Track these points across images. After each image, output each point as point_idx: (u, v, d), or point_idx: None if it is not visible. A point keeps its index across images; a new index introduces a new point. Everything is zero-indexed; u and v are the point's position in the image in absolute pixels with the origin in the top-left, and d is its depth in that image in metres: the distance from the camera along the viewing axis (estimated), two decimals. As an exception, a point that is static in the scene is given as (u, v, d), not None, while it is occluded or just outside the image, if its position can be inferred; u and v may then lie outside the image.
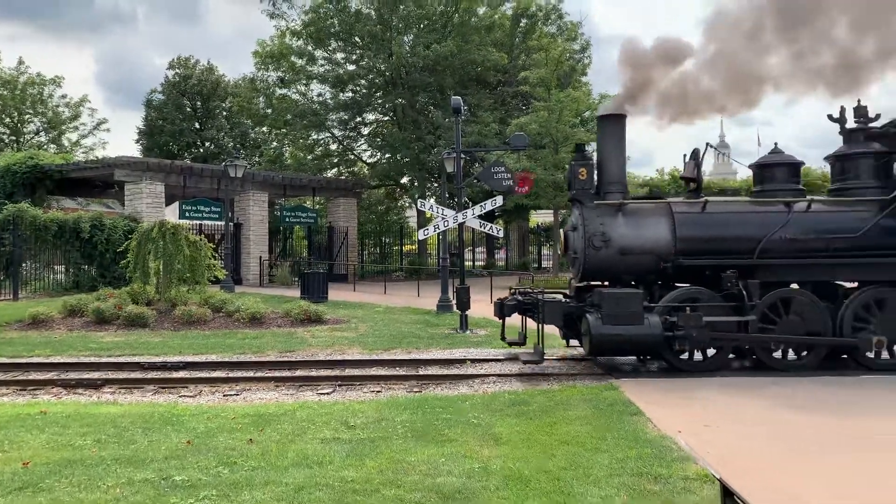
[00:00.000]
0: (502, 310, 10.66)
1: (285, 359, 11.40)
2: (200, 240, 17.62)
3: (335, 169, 37.87)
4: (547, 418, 7.51)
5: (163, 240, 16.52)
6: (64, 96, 46.32)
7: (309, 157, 36.59)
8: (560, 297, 11.11)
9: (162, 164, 26.10)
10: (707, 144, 10.87)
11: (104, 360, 11.25)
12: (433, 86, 32.62)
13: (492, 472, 5.69)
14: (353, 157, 38.14)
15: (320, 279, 20.56)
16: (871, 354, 9.80)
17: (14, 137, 42.66)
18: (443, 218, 16.11)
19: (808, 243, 10.12)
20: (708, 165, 52.07)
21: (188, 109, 46.11)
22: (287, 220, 30.22)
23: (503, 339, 11.20)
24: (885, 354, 9.89)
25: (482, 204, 16.26)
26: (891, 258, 9.95)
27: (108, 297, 16.24)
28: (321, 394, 9.14)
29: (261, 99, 36.22)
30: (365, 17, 32.16)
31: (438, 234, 17.78)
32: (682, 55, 10.61)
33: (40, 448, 6.47)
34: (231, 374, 10.13)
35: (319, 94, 35.58)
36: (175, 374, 10.19)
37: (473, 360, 11.12)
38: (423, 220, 32.53)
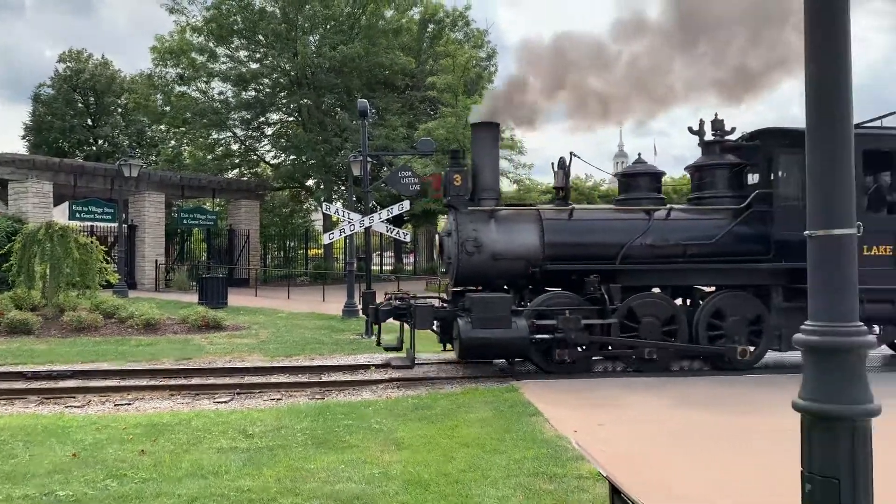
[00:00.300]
0: (377, 315, 10.68)
1: (181, 366, 11.05)
2: (91, 242, 16.83)
3: (237, 170, 36.99)
4: (449, 421, 7.58)
5: (50, 242, 15.69)
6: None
7: (209, 158, 35.59)
8: (435, 301, 11.26)
9: (50, 162, 24.79)
10: (571, 154, 11.45)
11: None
12: (340, 87, 32.38)
13: (392, 477, 5.69)
14: (255, 157, 37.35)
15: (219, 284, 20.04)
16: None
17: None
18: (349, 222, 15.99)
19: (665, 249, 10.64)
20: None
21: (80, 105, 43.87)
22: (185, 221, 29.28)
23: (378, 344, 11.21)
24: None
25: (389, 208, 16.27)
26: (742, 264, 10.59)
27: (-12, 302, 15.27)
28: (219, 402, 8.90)
29: (159, 96, 34.99)
30: (269, 16, 31.60)
31: (345, 238, 17.64)
32: (561, 70, 11.03)
33: None
34: (123, 383, 9.73)
35: (221, 93, 34.72)
36: (62, 384, 9.69)
37: (378, 366, 11.10)
38: (330, 224, 32.20)
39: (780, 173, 10.73)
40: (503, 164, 27.93)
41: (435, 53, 32.24)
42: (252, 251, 30.84)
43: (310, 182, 36.34)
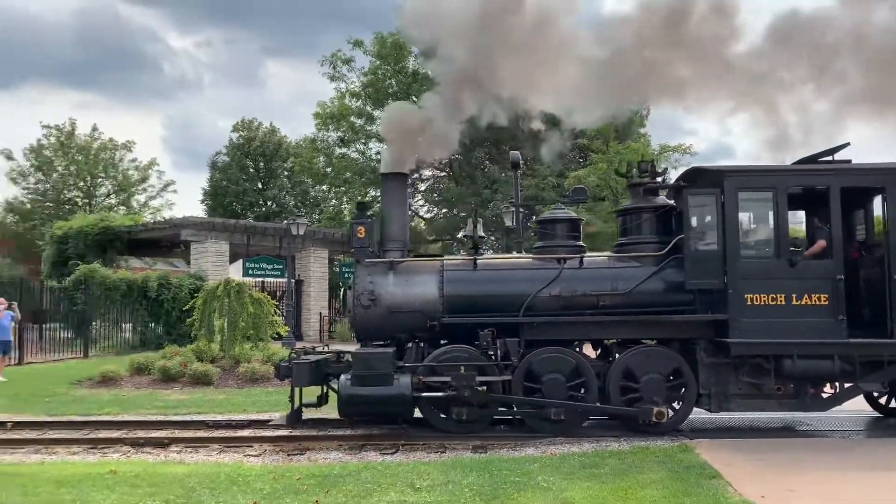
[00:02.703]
0: (279, 372, 10.18)
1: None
2: (264, 297, 17.87)
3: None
4: (620, 482, 7.20)
5: (227, 297, 16.81)
6: (134, 160, 48.37)
7: (368, 214, 37.16)
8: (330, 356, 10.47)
9: (226, 223, 26.83)
10: (474, 210, 10.92)
11: (171, 417, 11.36)
12: (489, 140, 32.95)
13: (567, 541, 5.43)
14: (410, 213, 38.62)
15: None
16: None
17: (87, 200, 44.55)
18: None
19: (575, 300, 9.85)
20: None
21: (251, 170, 47.58)
22: (346, 275, 30.51)
23: (290, 400, 10.36)
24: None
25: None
26: (660, 315, 9.62)
27: (174, 354, 16.52)
28: (385, 454, 8.99)
29: (321, 158, 37.18)
30: (422, 78, 32.91)
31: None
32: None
33: (110, 509, 6.49)
34: (294, 433, 10.07)
35: (377, 152, 36.34)
36: (240, 433, 10.20)
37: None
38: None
39: (690, 216, 9.61)
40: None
41: (584, 102, 32.09)
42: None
43: (461, 234, 36.98)
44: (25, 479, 7.63)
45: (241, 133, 48.34)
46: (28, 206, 42.79)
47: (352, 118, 34.69)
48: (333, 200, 41.42)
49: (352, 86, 34.89)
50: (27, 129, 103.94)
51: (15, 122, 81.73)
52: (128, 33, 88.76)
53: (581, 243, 10.65)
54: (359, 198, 25.50)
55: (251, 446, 9.41)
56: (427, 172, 37.83)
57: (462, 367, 9.44)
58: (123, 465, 8.43)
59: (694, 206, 9.56)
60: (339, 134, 35.67)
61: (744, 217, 9.57)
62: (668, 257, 9.75)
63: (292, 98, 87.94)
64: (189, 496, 6.88)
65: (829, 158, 9.83)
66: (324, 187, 41.36)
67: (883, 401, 10.69)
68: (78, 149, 45.12)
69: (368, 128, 34.98)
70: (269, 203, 47.33)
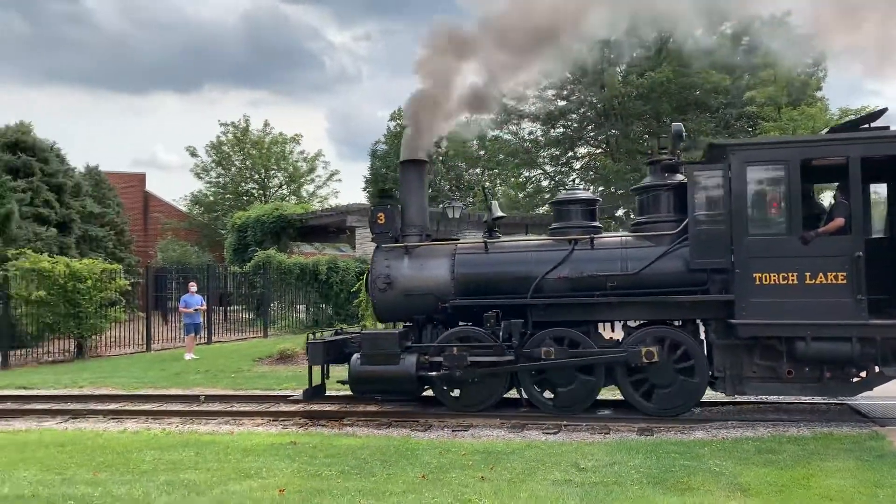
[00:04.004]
0: (307, 351, 10.57)
1: (507, 396, 11.38)
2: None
3: (546, 206, 38.02)
4: (801, 469, 6.76)
5: (390, 279, 17.41)
6: (302, 152, 51.10)
7: (521, 196, 37.10)
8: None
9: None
10: (483, 188, 9.88)
11: (341, 393, 11.98)
12: (648, 114, 31.76)
13: (744, 528, 5.18)
14: (565, 192, 38.11)
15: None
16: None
17: (262, 191, 47.69)
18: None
19: (584, 281, 9.62)
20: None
21: (408, 156, 48.89)
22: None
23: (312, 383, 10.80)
24: None
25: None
26: (669, 296, 9.25)
27: (344, 334, 17.38)
28: (547, 433, 8.99)
29: (474, 142, 37.49)
30: (576, 52, 32.24)
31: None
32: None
33: (292, 476, 6.97)
34: (456, 411, 10.28)
35: (531, 133, 36.14)
36: (407, 408, 10.56)
37: (704, 403, 10.34)
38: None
39: (695, 193, 9.06)
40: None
41: (752, 66, 30.12)
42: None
43: (619, 212, 36.02)
44: (218, 447, 8.37)
45: (398, 122, 49.68)
46: (211, 198, 46.48)
47: (504, 99, 34.70)
48: (487, 183, 41.73)
49: (504, 67, 34.86)
50: (208, 128, 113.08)
51: (197, 122, 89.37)
52: (291, 32, 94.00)
53: (597, 224, 10.48)
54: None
55: (417, 421, 9.73)
56: (582, 150, 37.14)
57: (455, 349, 9.70)
58: (302, 436, 9.02)
59: (699, 183, 9.11)
60: (492, 116, 35.82)
61: (753, 192, 8.90)
62: (681, 236, 9.32)
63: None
64: (362, 467, 7.25)
65: (867, 126, 8.93)
66: (477, 170, 41.74)
67: None
68: (252, 144, 48.36)
69: (521, 108, 34.83)
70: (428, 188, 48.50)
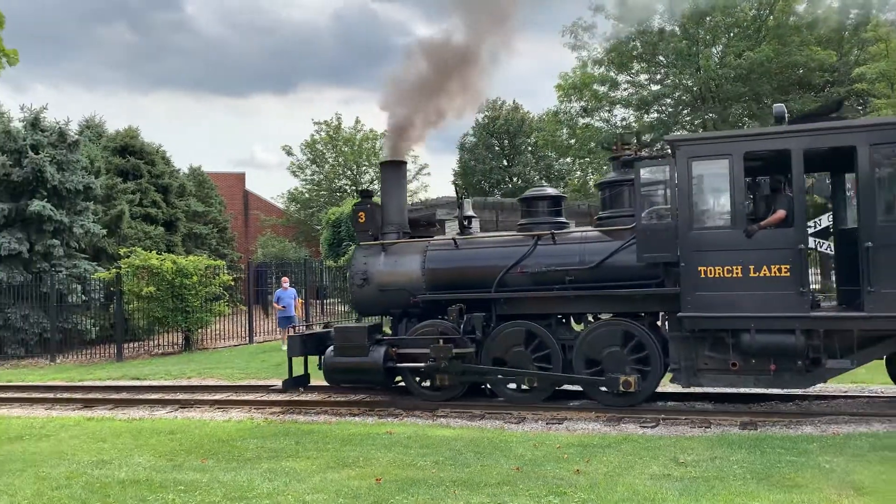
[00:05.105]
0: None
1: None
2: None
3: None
4: (923, 468, 6.32)
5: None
6: (392, 147, 51.86)
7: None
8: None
9: (476, 201, 27.76)
10: (455, 184, 9.76)
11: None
12: (747, 95, 30.41)
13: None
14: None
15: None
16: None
17: (354, 187, 48.63)
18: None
19: (546, 276, 9.91)
20: None
21: (496, 148, 48.76)
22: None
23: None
24: None
25: (816, 220, 14.60)
26: (619, 289, 9.49)
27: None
28: (644, 427, 8.78)
29: (564, 130, 36.94)
30: (669, 35, 31.24)
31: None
32: None
33: (388, 466, 7.08)
34: (549, 403, 10.20)
35: (623, 119, 35.28)
36: (498, 400, 10.55)
37: (816, 397, 9.87)
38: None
39: (641, 188, 9.26)
40: None
41: (860, 41, 28.33)
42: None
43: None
44: (317, 436, 8.62)
45: (486, 113, 49.65)
46: (306, 195, 47.80)
47: (594, 86, 33.96)
48: (578, 172, 41.08)
49: (594, 53, 34.13)
50: (303, 127, 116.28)
51: (293, 122, 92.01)
52: (380, 29, 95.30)
53: (562, 219, 10.75)
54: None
55: (510, 414, 9.70)
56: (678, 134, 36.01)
57: (413, 342, 10.33)
58: (398, 426, 9.16)
59: (645, 178, 9.28)
60: (582, 104, 35.12)
61: (697, 186, 8.99)
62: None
63: (534, 73, 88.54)
64: (456, 458, 7.29)
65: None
66: (567, 159, 41.09)
67: None
68: (344, 141, 49.40)
69: (612, 94, 34.03)
70: (514, 179, 48.21)
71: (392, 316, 11.35)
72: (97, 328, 21.30)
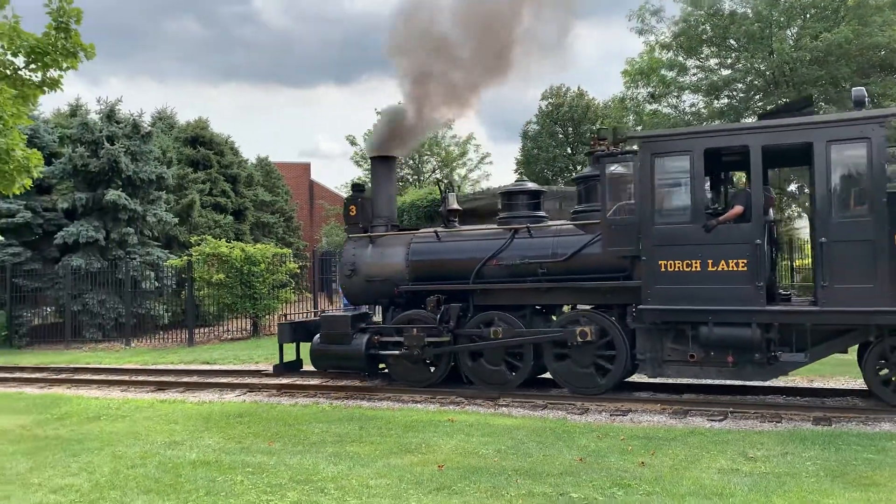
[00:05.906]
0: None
1: (662, 381, 10.97)
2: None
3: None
4: None
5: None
6: (454, 136, 51.78)
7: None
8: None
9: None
10: (439, 181, 9.40)
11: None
12: (824, 79, 29.16)
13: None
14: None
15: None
16: None
17: (416, 176, 48.92)
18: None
19: (520, 268, 10.19)
20: None
21: (560, 136, 48.18)
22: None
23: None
24: None
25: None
26: (585, 282, 9.77)
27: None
28: (712, 420, 8.57)
29: (630, 117, 36.22)
30: (740, 18, 30.22)
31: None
32: None
33: (450, 453, 7.11)
34: (614, 395, 10.06)
35: (692, 105, 34.33)
36: (558, 391, 10.45)
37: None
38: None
39: (606, 184, 9.55)
40: None
41: (949, 19, 26.82)
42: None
43: (792, 187, 33.55)
44: (380, 422, 8.71)
45: (550, 101, 49.06)
46: (369, 185, 48.42)
47: (662, 71, 33.12)
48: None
49: (662, 37, 33.27)
50: (366, 117, 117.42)
51: (356, 111, 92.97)
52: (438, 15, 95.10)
53: (541, 213, 11.02)
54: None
55: (573, 404, 9.61)
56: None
57: (393, 331, 10.82)
58: (459, 414, 9.19)
59: (610, 174, 9.56)
60: (650, 89, 34.30)
61: (659, 182, 9.14)
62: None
63: (599, 59, 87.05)
64: (518, 447, 7.26)
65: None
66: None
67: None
68: (406, 130, 49.72)
69: (681, 79, 33.14)
70: (578, 168, 47.59)
71: (381, 305, 11.90)
72: (169, 314, 22.06)
